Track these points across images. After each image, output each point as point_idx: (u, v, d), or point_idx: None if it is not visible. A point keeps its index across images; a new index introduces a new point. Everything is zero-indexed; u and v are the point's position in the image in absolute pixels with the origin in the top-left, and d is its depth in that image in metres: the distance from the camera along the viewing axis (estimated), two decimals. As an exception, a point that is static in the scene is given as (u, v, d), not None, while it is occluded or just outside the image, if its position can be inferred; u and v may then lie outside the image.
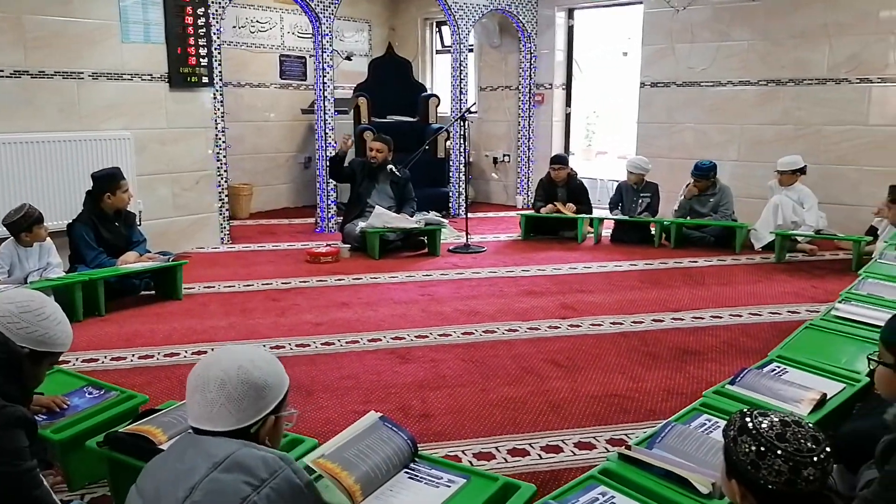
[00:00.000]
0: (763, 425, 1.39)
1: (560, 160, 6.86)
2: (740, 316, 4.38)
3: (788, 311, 4.48)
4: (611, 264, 5.73)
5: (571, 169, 6.92)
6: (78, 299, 4.13)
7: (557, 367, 3.50)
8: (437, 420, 2.90)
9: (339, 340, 3.85)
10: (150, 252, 4.79)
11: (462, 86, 7.87)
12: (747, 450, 1.38)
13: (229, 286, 4.98)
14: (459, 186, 7.82)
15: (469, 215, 6.83)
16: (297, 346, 3.77)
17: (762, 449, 1.36)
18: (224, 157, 6.28)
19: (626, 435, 2.79)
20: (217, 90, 6.12)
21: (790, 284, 5.14)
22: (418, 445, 2.07)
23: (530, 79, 8.46)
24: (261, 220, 7.72)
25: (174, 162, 5.89)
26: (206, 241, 6.23)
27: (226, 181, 6.33)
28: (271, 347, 3.73)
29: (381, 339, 3.87)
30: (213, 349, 3.59)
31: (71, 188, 5.12)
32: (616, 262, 5.78)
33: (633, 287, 5.05)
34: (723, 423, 2.38)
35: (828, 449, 1.37)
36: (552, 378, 3.35)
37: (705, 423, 2.34)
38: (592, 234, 6.69)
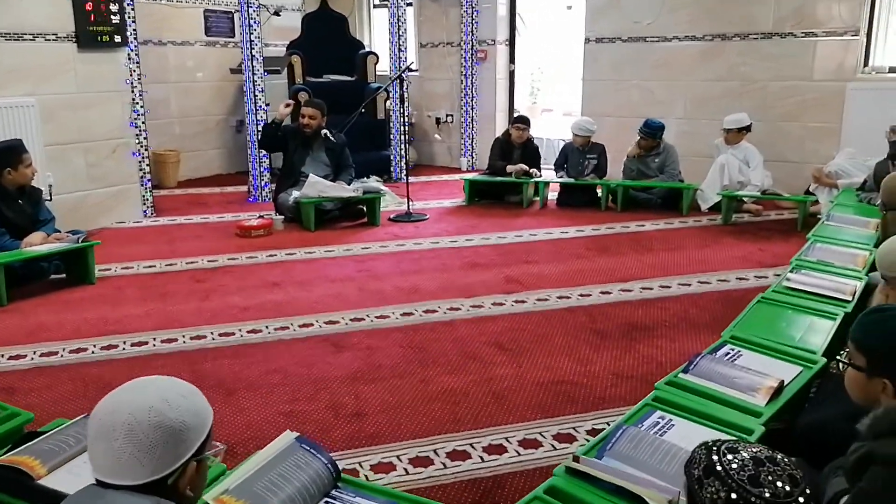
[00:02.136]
0: (733, 466, 1.18)
1: (524, 121, 6.59)
2: (689, 285, 4.24)
3: (737, 279, 4.36)
4: (557, 231, 5.53)
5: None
6: (-25, 288, 3.74)
7: (501, 350, 3.29)
8: (370, 420, 2.65)
9: (267, 327, 3.55)
10: (59, 231, 4.38)
11: (401, 42, 7.48)
12: (715, 497, 1.17)
13: (149, 266, 4.61)
14: (401, 149, 7.49)
15: (411, 179, 6.53)
16: (219, 335, 3.46)
17: (733, 496, 1.15)
18: (143, 122, 5.82)
19: (573, 428, 2.60)
20: (132, 50, 5.64)
21: (737, 248, 5.03)
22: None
23: (472, 35, 8.10)
24: (190, 188, 7.27)
25: (87, 130, 5.41)
26: (127, 214, 5.79)
27: (146, 149, 5.88)
28: (191, 338, 3.42)
29: (313, 324, 3.59)
30: (124, 343, 3.28)
31: (-33, 163, 4.62)
32: (562, 229, 5.58)
33: (580, 255, 4.87)
34: (677, 420, 2.21)
35: (808, 491, 1.17)
36: (496, 364, 3.14)
37: (658, 422, 2.16)
38: (538, 199, 6.48)
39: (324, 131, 5.78)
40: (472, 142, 8.33)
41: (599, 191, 6.34)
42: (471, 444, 2.49)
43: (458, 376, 3.02)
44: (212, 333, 3.48)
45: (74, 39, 5.23)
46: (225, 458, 1.97)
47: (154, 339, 3.42)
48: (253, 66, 6.37)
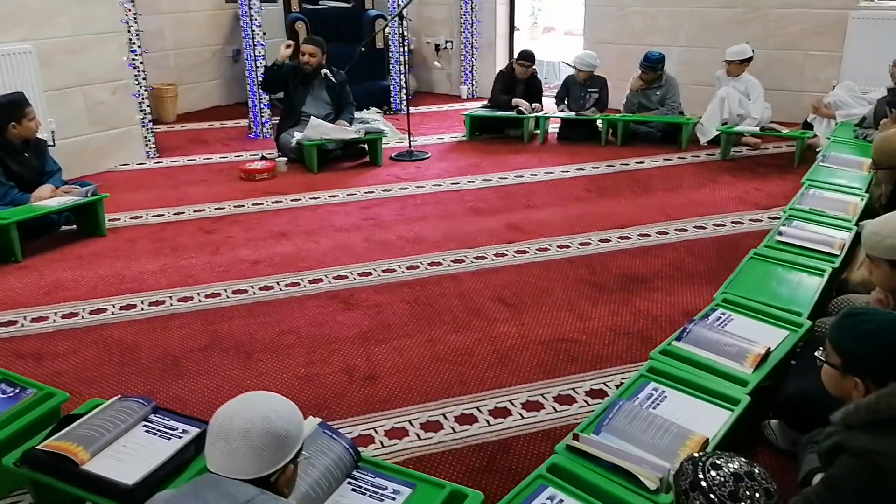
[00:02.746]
0: (716, 482, 1.33)
1: (529, 57, 6.51)
2: (686, 231, 4.35)
3: (732, 222, 4.47)
4: (557, 169, 5.59)
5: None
6: (-10, 246, 3.83)
7: (504, 305, 3.43)
8: (383, 382, 2.82)
9: (278, 283, 3.68)
10: (66, 183, 4.44)
11: (398, -33, 7.29)
12: (699, 509, 1.33)
13: (158, 215, 4.69)
14: (401, 80, 7.42)
15: (411, 110, 6.52)
16: (233, 292, 3.59)
17: (715, 510, 1.31)
18: (141, 62, 5.77)
19: (573, 389, 2.77)
20: (127, -12, 5.53)
21: (734, 188, 5.11)
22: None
23: (471, -43, 7.89)
24: (189, 123, 7.24)
25: (85, 73, 5.37)
26: (130, 156, 5.82)
27: (145, 89, 5.86)
28: (206, 296, 3.55)
29: (322, 280, 3.72)
30: (142, 302, 3.34)
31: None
32: (562, 167, 5.64)
33: (580, 198, 4.95)
34: (669, 391, 2.38)
35: (780, 502, 1.32)
36: (499, 321, 3.29)
37: (652, 394, 2.32)
38: (539, 133, 6.50)
39: (324, 71, 5.74)
40: (473, 69, 8.24)
41: (600, 125, 6.36)
42: (477, 408, 2.66)
43: (464, 335, 3.17)
44: (226, 291, 3.60)
45: (67, -20, 5.14)
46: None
47: (171, 297, 3.55)
48: (248, -3, 6.24)
